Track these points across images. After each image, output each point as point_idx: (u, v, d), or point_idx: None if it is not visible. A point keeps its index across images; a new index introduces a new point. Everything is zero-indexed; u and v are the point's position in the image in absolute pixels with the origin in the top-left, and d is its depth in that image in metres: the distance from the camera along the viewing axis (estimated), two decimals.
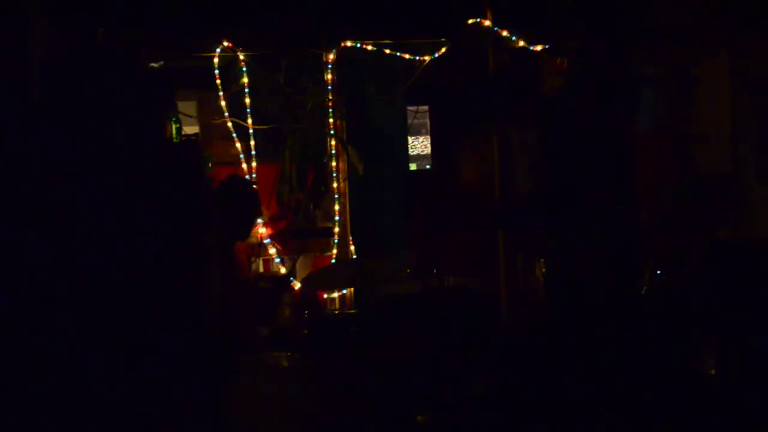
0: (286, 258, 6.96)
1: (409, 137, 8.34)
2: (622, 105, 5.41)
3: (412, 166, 8.85)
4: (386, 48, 7.01)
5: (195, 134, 6.77)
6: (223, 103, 6.75)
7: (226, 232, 5.95)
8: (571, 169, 5.33)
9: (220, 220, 5.97)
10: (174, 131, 5.80)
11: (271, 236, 6.81)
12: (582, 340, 5.71)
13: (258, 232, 6.73)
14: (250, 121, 6.77)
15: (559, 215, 5.36)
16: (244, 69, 6.71)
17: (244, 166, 6.80)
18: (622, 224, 5.29)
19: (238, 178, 6.35)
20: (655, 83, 7.88)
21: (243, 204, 5.98)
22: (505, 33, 6.89)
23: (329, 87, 6.83)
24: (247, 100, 6.76)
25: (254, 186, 6.33)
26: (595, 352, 5.52)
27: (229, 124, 6.77)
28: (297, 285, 6.56)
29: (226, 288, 5.21)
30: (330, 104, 6.83)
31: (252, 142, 6.81)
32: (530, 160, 7.59)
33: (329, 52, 6.83)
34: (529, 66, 7.25)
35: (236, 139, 6.79)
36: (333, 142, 6.88)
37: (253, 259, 6.71)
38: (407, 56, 7.07)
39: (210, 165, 6.41)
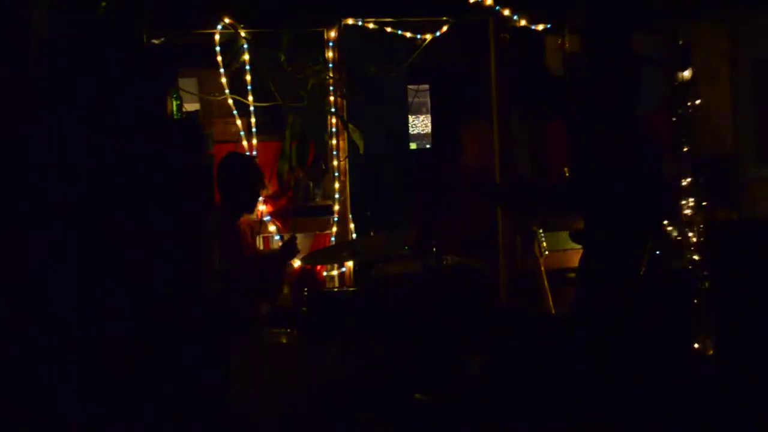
0: (285, 236, 6.97)
1: (409, 116, 8.35)
2: (624, 86, 5.40)
3: (413, 145, 8.86)
4: (387, 26, 7.00)
5: (196, 111, 6.78)
6: (224, 80, 6.73)
7: (231, 208, 5.98)
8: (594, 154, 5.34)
9: (223, 197, 6.00)
10: (175, 108, 5.80)
11: (270, 214, 6.82)
12: (584, 319, 5.73)
13: (258, 210, 6.73)
14: (250, 98, 6.75)
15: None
16: (245, 46, 6.70)
17: (245, 143, 6.80)
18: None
19: (237, 154, 6.38)
20: (655, 64, 7.88)
21: (245, 178, 6.01)
22: (506, 12, 6.88)
23: (330, 65, 6.82)
24: (248, 78, 6.75)
25: (254, 160, 6.35)
26: (593, 332, 5.54)
27: (230, 102, 6.76)
28: (297, 263, 6.57)
29: (229, 264, 5.22)
30: (331, 82, 6.82)
31: (253, 120, 6.81)
32: (531, 143, 7.61)
33: (330, 29, 6.82)
34: (531, 45, 7.26)
35: (237, 117, 6.79)
36: (333, 121, 6.87)
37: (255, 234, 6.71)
38: (408, 35, 7.06)
39: (211, 143, 6.44)
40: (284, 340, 5.40)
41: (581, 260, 5.60)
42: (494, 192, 6.35)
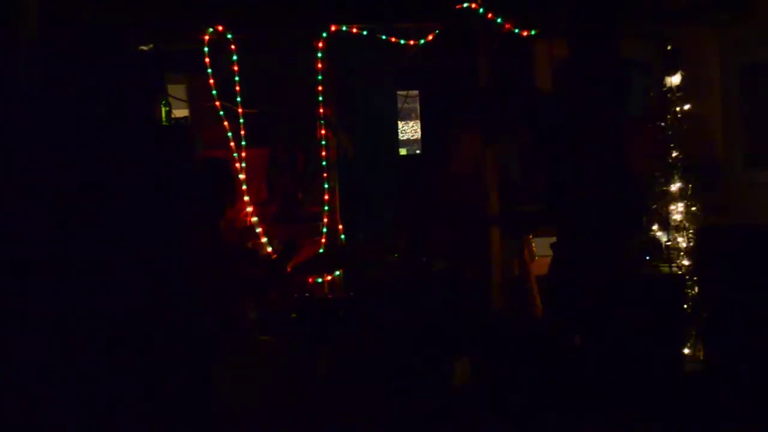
0: (275, 243, 6.96)
1: (399, 122, 8.33)
2: (612, 90, 5.41)
3: (402, 151, 8.84)
4: (376, 32, 7.00)
5: (184, 117, 6.77)
6: (212, 86, 6.72)
7: (211, 210, 5.97)
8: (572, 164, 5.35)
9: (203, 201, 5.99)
10: (164, 114, 5.80)
11: (260, 221, 6.80)
12: (573, 325, 5.73)
13: (247, 217, 6.72)
14: (239, 105, 6.74)
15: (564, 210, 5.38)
16: (234, 53, 6.69)
17: (234, 149, 6.78)
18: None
19: (210, 158, 6.37)
20: (645, 69, 7.88)
21: (219, 181, 5.98)
22: (494, 17, 6.88)
23: (319, 71, 6.82)
24: (237, 85, 6.74)
25: (225, 162, 6.33)
26: (584, 337, 5.54)
27: (219, 108, 6.75)
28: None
29: (215, 266, 5.20)
30: (320, 89, 6.82)
31: (241, 126, 6.80)
32: (521, 151, 7.61)
33: (319, 36, 6.82)
34: (519, 52, 7.27)
35: (226, 123, 6.78)
36: (323, 127, 6.86)
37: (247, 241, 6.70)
38: (397, 41, 7.06)
39: (199, 149, 6.43)
40: (273, 346, 5.39)
41: (550, 268, 5.62)
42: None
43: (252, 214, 6.74)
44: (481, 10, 6.84)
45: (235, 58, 6.70)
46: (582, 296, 5.24)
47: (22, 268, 3.94)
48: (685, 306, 6.37)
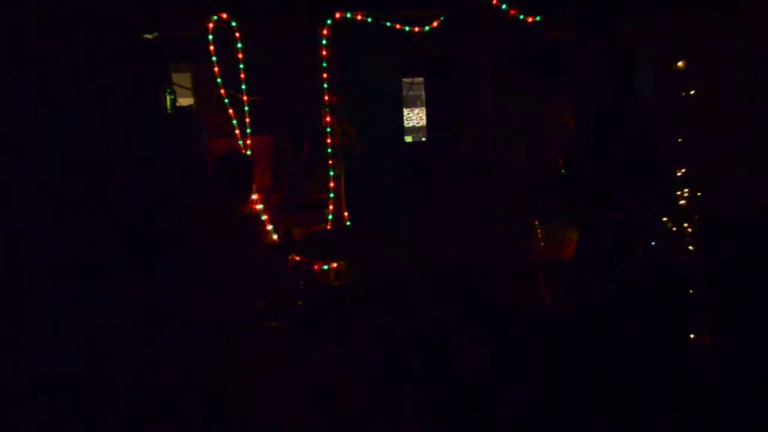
0: (280, 230, 6.97)
1: (404, 109, 8.33)
2: (617, 77, 5.41)
3: (408, 139, 8.85)
4: (381, 19, 6.99)
5: (190, 106, 6.78)
6: (217, 75, 6.72)
7: (226, 199, 5.99)
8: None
9: (218, 189, 6.01)
10: (168, 103, 5.80)
11: (265, 208, 6.81)
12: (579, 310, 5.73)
13: (253, 205, 6.73)
14: (244, 93, 6.75)
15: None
16: (239, 41, 6.69)
17: (239, 138, 6.79)
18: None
19: (236, 151, 6.39)
20: (651, 55, 7.87)
21: (239, 174, 6.00)
22: (499, 3, 6.87)
23: (324, 58, 6.82)
24: (242, 73, 6.74)
25: (249, 158, 6.34)
26: (590, 324, 5.55)
27: (224, 96, 6.75)
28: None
29: (225, 254, 5.21)
30: (325, 76, 6.82)
31: (246, 114, 6.80)
32: (527, 130, 7.60)
33: (324, 23, 6.82)
34: (524, 38, 7.26)
35: (231, 111, 6.78)
36: (328, 114, 6.87)
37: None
38: (402, 27, 7.06)
39: (205, 137, 6.45)
40: (280, 334, 5.40)
41: (576, 252, 5.61)
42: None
43: (257, 201, 6.75)
44: None
45: (239, 45, 6.70)
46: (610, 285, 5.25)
47: (29, 258, 3.97)
48: (691, 292, 6.37)
